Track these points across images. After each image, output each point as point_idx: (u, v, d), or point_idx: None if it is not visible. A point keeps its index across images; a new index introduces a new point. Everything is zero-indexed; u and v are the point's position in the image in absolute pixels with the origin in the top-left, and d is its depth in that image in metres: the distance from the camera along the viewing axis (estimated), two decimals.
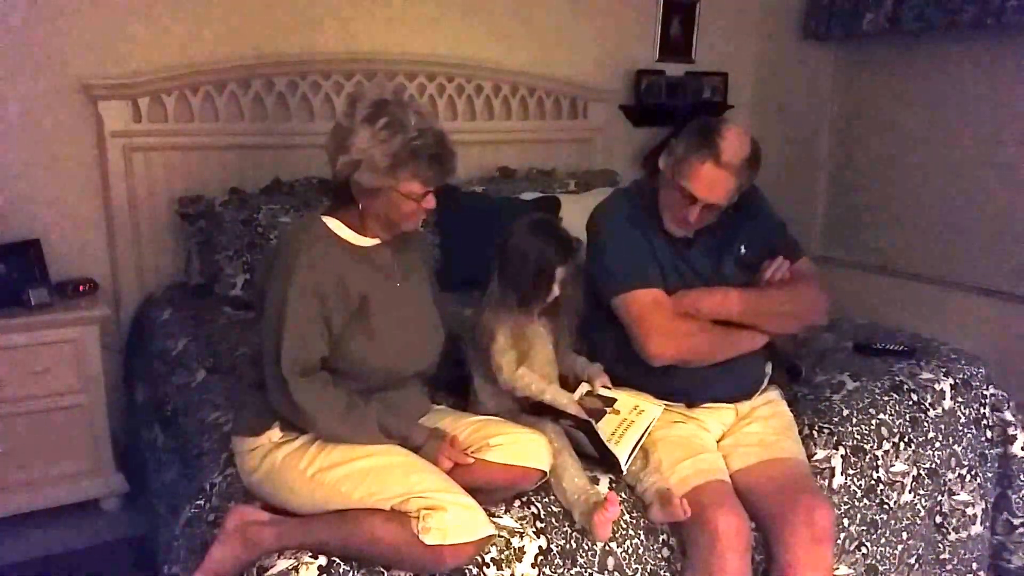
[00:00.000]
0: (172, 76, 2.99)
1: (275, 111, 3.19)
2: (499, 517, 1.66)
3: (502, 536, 1.63)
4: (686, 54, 4.12)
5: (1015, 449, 2.36)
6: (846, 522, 2.03)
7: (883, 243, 3.88)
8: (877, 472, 2.09)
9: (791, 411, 2.07)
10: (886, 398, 2.21)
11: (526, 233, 1.85)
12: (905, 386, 2.26)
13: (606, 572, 1.73)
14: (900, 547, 2.13)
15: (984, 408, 2.34)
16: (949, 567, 2.27)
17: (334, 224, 1.74)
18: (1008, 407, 2.37)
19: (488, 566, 1.60)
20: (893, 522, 2.11)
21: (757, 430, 1.98)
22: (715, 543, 1.71)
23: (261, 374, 1.68)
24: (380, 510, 1.55)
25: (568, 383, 1.96)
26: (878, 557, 2.09)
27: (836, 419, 2.11)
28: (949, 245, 3.60)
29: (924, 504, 2.18)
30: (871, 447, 2.09)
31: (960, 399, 2.30)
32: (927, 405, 2.23)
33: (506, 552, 1.63)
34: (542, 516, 1.70)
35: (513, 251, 1.85)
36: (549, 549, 1.67)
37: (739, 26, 4.25)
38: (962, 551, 2.28)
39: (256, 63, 3.12)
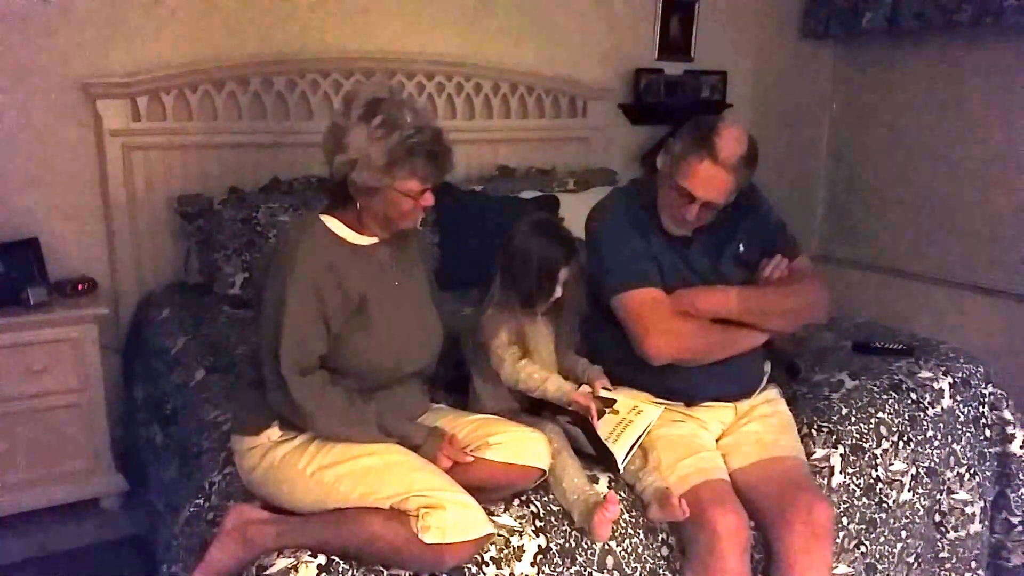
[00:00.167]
0: (171, 75, 2.99)
1: (274, 110, 3.19)
2: (498, 516, 1.66)
3: (501, 535, 1.63)
4: (685, 53, 4.12)
5: (1014, 448, 2.36)
6: (845, 520, 2.03)
7: (882, 242, 3.89)
8: (876, 471, 2.09)
9: (790, 410, 2.07)
10: (885, 397, 2.21)
11: (529, 234, 1.85)
12: (904, 385, 2.26)
13: (605, 571, 1.73)
14: (899, 545, 2.14)
15: (983, 407, 2.35)
16: (948, 565, 2.28)
17: (332, 223, 1.74)
18: (1007, 406, 2.38)
19: (487, 565, 1.60)
20: (892, 521, 2.11)
21: (756, 429, 1.98)
22: (714, 542, 1.71)
23: (260, 373, 1.68)
24: (379, 509, 1.55)
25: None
26: (877, 556, 2.09)
27: (835, 418, 2.11)
28: (948, 244, 3.61)
29: (923, 503, 2.18)
30: (870, 446, 2.09)
31: (959, 398, 2.30)
32: (926, 404, 2.23)
33: (505, 551, 1.63)
34: (541, 515, 1.70)
35: (516, 252, 1.84)
36: (548, 548, 1.67)
37: (738, 25, 4.25)
38: (961, 549, 2.28)
39: (255, 62, 3.12)
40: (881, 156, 3.86)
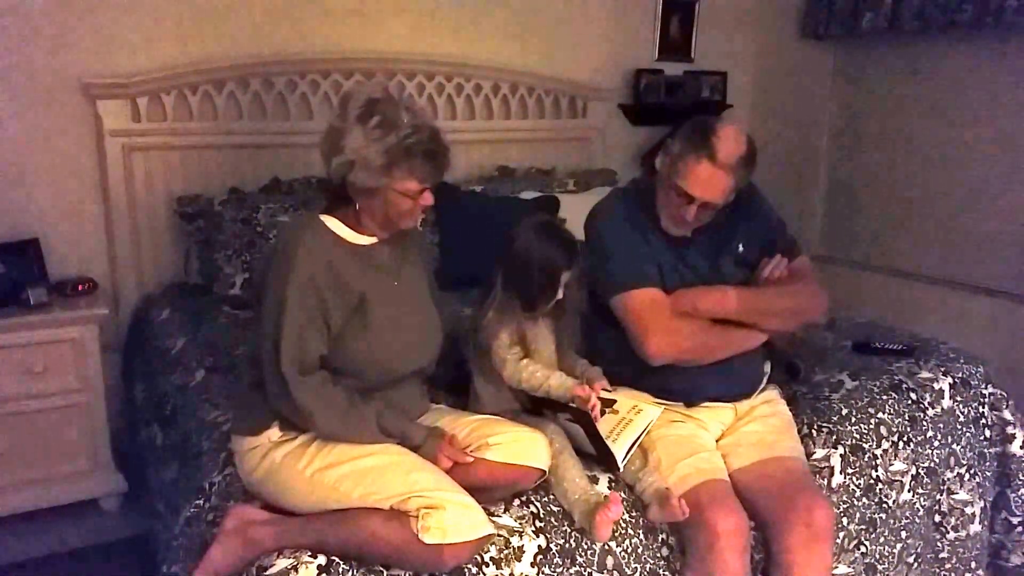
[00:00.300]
0: (171, 75, 2.99)
1: (274, 110, 3.19)
2: (498, 516, 1.66)
3: (501, 535, 1.63)
4: (685, 53, 4.12)
5: (1014, 448, 2.36)
6: (845, 521, 2.03)
7: (882, 242, 3.88)
8: (876, 471, 2.09)
9: (790, 410, 2.07)
10: (885, 397, 2.21)
11: (531, 236, 1.85)
12: (904, 385, 2.26)
13: (605, 571, 1.73)
14: (899, 546, 2.14)
15: (983, 407, 2.34)
16: (948, 566, 2.28)
17: (332, 223, 1.74)
18: (1007, 406, 2.38)
19: (487, 565, 1.60)
20: (892, 521, 2.11)
21: (756, 429, 1.98)
22: (714, 542, 1.71)
23: (260, 373, 1.68)
24: (379, 509, 1.55)
25: None
26: (877, 556, 2.09)
27: (835, 418, 2.11)
28: (948, 244, 3.61)
29: (923, 503, 2.18)
30: (870, 446, 2.09)
31: (959, 398, 2.30)
32: (926, 404, 2.23)
33: (505, 551, 1.63)
34: (541, 515, 1.70)
35: (518, 254, 1.84)
36: (548, 548, 1.67)
37: (738, 25, 4.25)
38: (961, 550, 2.28)
39: (255, 62, 3.12)
40: (881, 156, 3.86)
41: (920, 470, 2.17)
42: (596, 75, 3.89)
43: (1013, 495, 2.37)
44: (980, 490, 2.29)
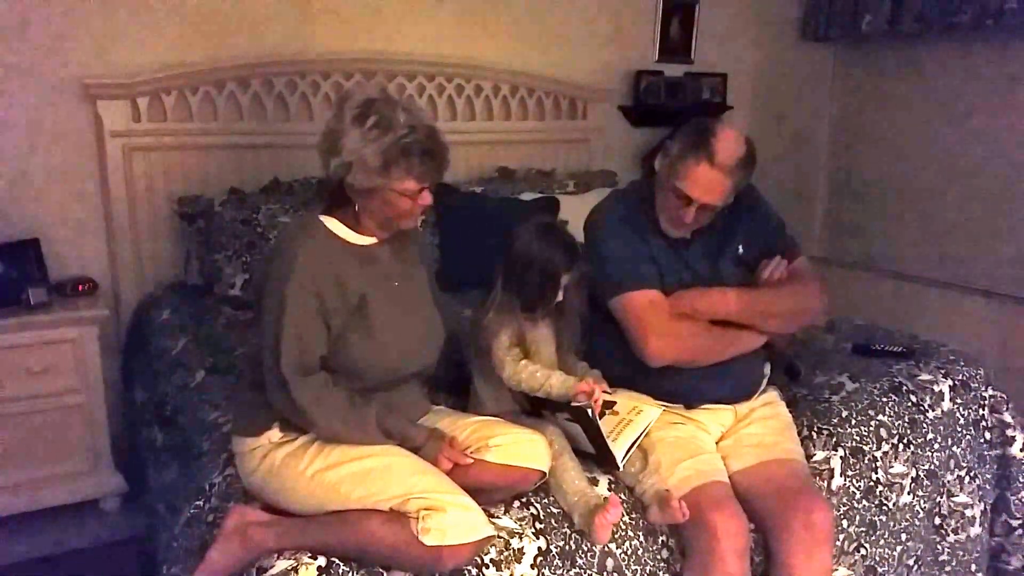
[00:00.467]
0: (171, 76, 2.99)
1: (274, 111, 3.19)
2: (498, 518, 1.66)
3: (501, 537, 1.63)
4: (685, 55, 4.12)
5: (1014, 451, 2.36)
6: (845, 523, 2.03)
7: (882, 244, 3.88)
8: (876, 473, 2.09)
9: (790, 412, 2.08)
10: (885, 399, 2.21)
11: (532, 237, 1.85)
12: (904, 387, 2.26)
13: (605, 573, 1.73)
14: (899, 548, 2.14)
15: (983, 410, 2.35)
16: (948, 568, 2.28)
17: (332, 223, 1.74)
18: (1007, 408, 2.38)
19: (487, 567, 1.60)
20: (892, 523, 2.11)
21: (756, 431, 1.98)
22: (714, 545, 1.71)
23: (260, 374, 1.68)
24: (379, 511, 1.55)
25: None
26: (877, 558, 2.09)
27: (835, 420, 2.11)
28: (948, 246, 3.61)
29: (923, 505, 2.18)
30: (870, 448, 2.10)
31: (959, 400, 2.30)
32: (926, 406, 2.24)
33: (505, 553, 1.63)
34: (541, 517, 1.70)
35: (518, 255, 1.84)
36: (548, 550, 1.67)
37: (738, 27, 4.25)
38: (961, 552, 2.28)
39: (255, 63, 3.12)
40: (881, 158, 3.86)
41: (920, 472, 2.17)
42: (596, 76, 3.89)
43: (1013, 498, 2.37)
44: (980, 493, 2.29)
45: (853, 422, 2.12)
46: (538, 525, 1.69)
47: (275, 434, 1.70)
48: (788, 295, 2.01)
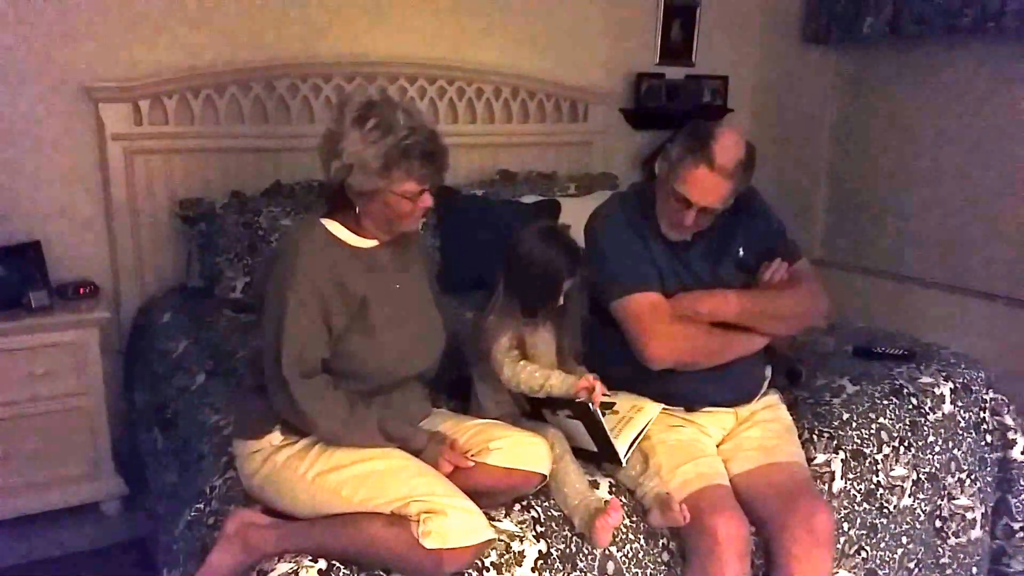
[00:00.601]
0: (173, 79, 3.00)
1: (276, 114, 3.19)
2: (499, 521, 1.66)
3: (502, 540, 1.63)
4: (686, 57, 4.12)
5: (1015, 453, 2.36)
6: (846, 526, 2.03)
7: (883, 247, 3.88)
8: (877, 476, 2.09)
9: (791, 415, 2.07)
10: (886, 402, 2.21)
11: (535, 241, 1.85)
12: (905, 390, 2.26)
13: None
14: (900, 551, 2.13)
15: (984, 412, 2.34)
16: (949, 571, 2.27)
17: (333, 226, 1.74)
18: (1008, 411, 2.37)
19: (488, 570, 1.60)
20: (893, 526, 2.11)
21: (757, 434, 1.98)
22: (715, 548, 1.71)
23: (262, 377, 1.68)
24: (380, 514, 1.55)
25: None
26: (878, 561, 2.09)
27: (836, 423, 2.11)
28: (949, 249, 3.60)
29: (924, 508, 2.18)
30: (871, 451, 2.09)
31: (960, 403, 2.30)
32: (927, 409, 2.23)
33: (506, 556, 1.63)
34: (542, 520, 1.70)
35: (520, 259, 1.84)
36: (549, 553, 1.67)
37: (739, 30, 4.25)
38: (962, 555, 2.28)
39: (257, 66, 3.13)
40: (882, 161, 3.86)
41: (921, 475, 2.17)
42: (597, 79, 3.89)
43: (1014, 500, 2.37)
44: (981, 495, 2.29)
45: (854, 425, 2.12)
46: (539, 528, 1.69)
47: (276, 437, 1.70)
48: (788, 297, 2.01)
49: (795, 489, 1.84)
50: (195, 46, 3.06)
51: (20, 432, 2.65)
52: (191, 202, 3.00)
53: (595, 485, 1.78)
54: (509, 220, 2.93)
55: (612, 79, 3.96)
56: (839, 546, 2.01)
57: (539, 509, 1.72)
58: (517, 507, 1.71)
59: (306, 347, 1.64)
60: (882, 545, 2.10)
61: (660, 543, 1.80)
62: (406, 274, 1.84)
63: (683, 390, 1.98)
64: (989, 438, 2.34)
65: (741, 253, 2.04)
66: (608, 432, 1.77)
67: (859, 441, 2.09)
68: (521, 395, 1.88)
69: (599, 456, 1.82)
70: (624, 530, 1.76)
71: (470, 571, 1.58)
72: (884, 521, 2.09)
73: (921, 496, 2.16)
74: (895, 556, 2.12)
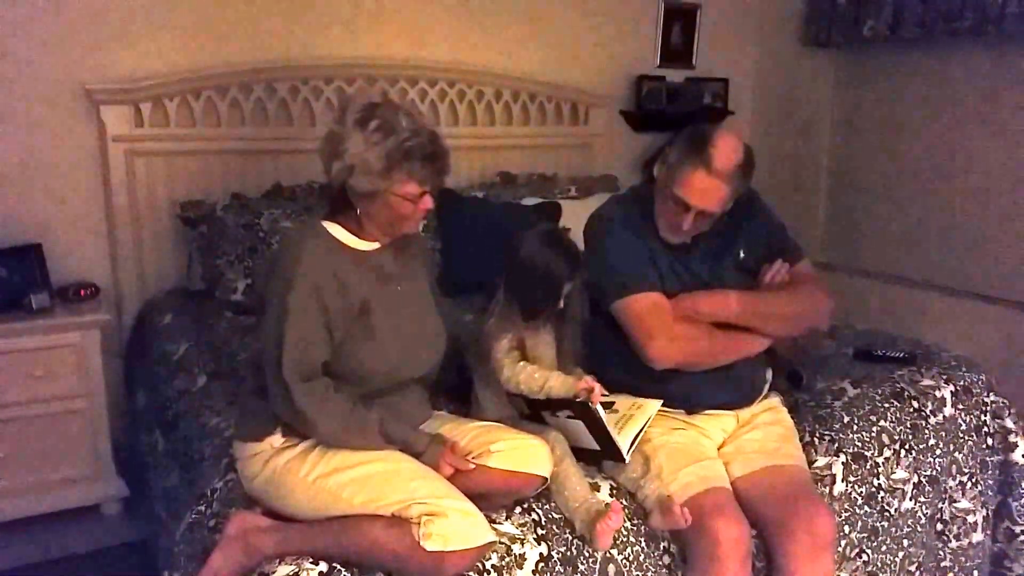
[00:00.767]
0: (174, 81, 3.00)
1: (277, 116, 3.20)
2: (500, 524, 1.66)
3: (503, 543, 1.63)
4: (687, 60, 4.13)
5: (1016, 456, 2.36)
6: (847, 529, 2.03)
7: (884, 249, 3.89)
8: (878, 479, 2.09)
9: (792, 418, 2.07)
10: (887, 405, 2.21)
11: (535, 245, 1.84)
12: (906, 393, 2.26)
13: None
14: (901, 554, 2.13)
15: (985, 415, 2.34)
16: (950, 575, 2.27)
17: (334, 229, 1.75)
18: (1009, 414, 2.37)
19: (489, 573, 1.59)
20: (894, 529, 2.11)
21: (758, 437, 1.98)
22: (716, 550, 1.71)
23: (262, 379, 1.68)
24: (381, 516, 1.55)
25: None
26: (879, 564, 2.09)
27: (837, 426, 2.11)
28: (949, 251, 3.61)
29: (925, 511, 2.18)
30: (872, 454, 2.09)
31: (961, 406, 2.30)
32: (928, 412, 2.23)
33: (507, 559, 1.62)
34: (543, 523, 1.70)
35: (521, 263, 1.84)
36: (550, 556, 1.67)
37: (740, 32, 4.26)
38: (963, 559, 2.28)
39: (258, 68, 3.13)
40: (883, 163, 3.86)
41: (922, 478, 2.16)
42: (598, 81, 3.90)
43: (1015, 504, 2.37)
44: (982, 499, 2.29)
45: (855, 428, 2.11)
46: (540, 531, 1.69)
47: (277, 439, 1.70)
48: (789, 298, 2.01)
49: (796, 492, 1.84)
50: (196, 48, 3.07)
51: (21, 434, 2.65)
52: (192, 204, 3.00)
53: (596, 488, 1.78)
54: (510, 222, 2.93)
55: (613, 81, 3.96)
56: (840, 549, 2.00)
57: (540, 512, 1.71)
58: (518, 510, 1.70)
59: (307, 350, 1.64)
60: (883, 548, 2.10)
61: (661, 546, 1.80)
62: (407, 277, 1.84)
63: (684, 392, 1.98)
64: (990, 441, 2.34)
65: (742, 255, 2.05)
66: (610, 429, 1.77)
67: (860, 444, 2.09)
68: (520, 397, 1.87)
69: (601, 455, 1.82)
70: (625, 533, 1.76)
71: (471, 574, 1.57)
72: (885, 524, 2.09)
73: (922, 499, 2.16)
74: (896, 559, 2.12)
